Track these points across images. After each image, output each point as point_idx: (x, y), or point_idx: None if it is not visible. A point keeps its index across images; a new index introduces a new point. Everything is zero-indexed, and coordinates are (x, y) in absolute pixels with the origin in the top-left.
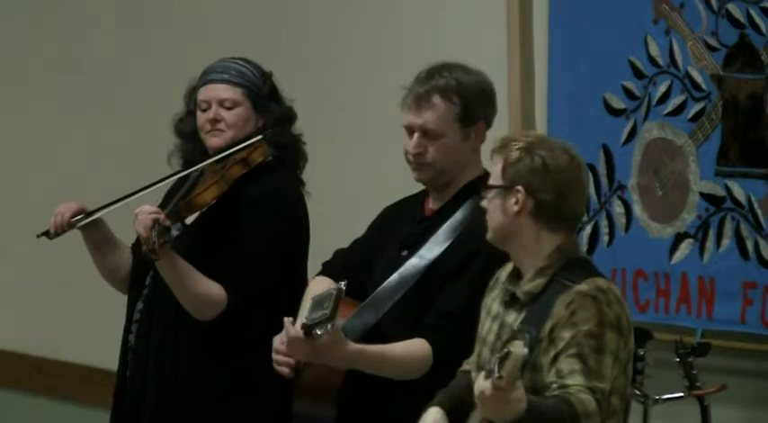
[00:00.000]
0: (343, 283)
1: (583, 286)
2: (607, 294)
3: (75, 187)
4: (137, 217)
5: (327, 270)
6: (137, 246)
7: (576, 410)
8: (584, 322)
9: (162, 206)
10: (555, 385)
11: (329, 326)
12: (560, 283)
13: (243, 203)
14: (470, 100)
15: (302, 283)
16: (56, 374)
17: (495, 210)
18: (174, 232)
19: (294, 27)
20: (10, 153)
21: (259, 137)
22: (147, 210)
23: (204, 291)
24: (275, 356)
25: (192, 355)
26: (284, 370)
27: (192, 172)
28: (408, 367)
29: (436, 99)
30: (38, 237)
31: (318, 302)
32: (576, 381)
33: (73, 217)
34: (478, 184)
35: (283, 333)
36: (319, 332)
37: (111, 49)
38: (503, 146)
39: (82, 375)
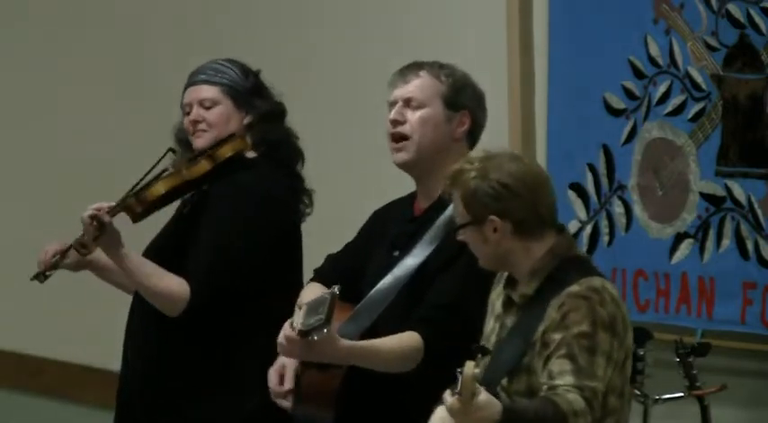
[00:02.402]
0: (336, 287)
1: (575, 287)
2: (601, 294)
3: (73, 188)
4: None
5: (319, 276)
6: (147, 253)
7: (560, 410)
8: (576, 324)
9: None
10: (545, 387)
11: (325, 331)
12: (553, 285)
13: (211, 199)
14: (459, 85)
15: (296, 288)
16: (56, 374)
17: (477, 243)
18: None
19: (291, 27)
20: (10, 154)
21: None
22: (94, 206)
23: (164, 285)
24: (274, 397)
25: (177, 354)
26: (285, 404)
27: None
28: (401, 360)
29: (423, 73)
30: (31, 279)
31: (313, 308)
32: (565, 381)
33: (54, 257)
34: None
35: (277, 366)
36: (316, 337)
37: (109, 54)
38: (453, 180)
39: (82, 375)
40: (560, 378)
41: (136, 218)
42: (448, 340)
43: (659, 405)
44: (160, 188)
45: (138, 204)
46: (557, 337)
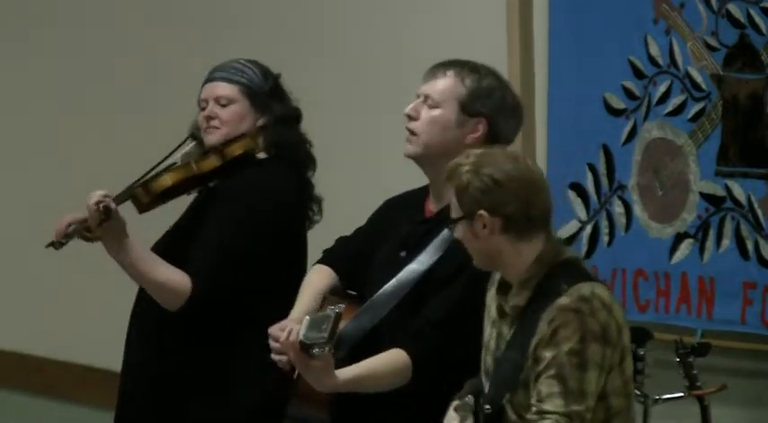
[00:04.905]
0: (342, 305)
1: (565, 300)
2: (591, 303)
3: (74, 188)
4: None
5: (328, 257)
6: (156, 248)
7: None
8: (566, 341)
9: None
10: (534, 409)
11: (326, 348)
12: (544, 297)
13: (218, 196)
14: (481, 92)
15: (297, 282)
16: (56, 374)
17: (469, 239)
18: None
19: (293, 28)
20: (12, 154)
21: (188, 138)
22: (100, 192)
23: (165, 277)
24: (273, 344)
25: (178, 350)
26: (282, 358)
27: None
28: (390, 382)
29: (450, 73)
30: (46, 247)
31: (316, 323)
32: (554, 405)
33: (68, 226)
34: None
35: (283, 322)
36: (316, 351)
37: (115, 49)
38: (450, 174)
39: (82, 375)
40: (549, 401)
41: (142, 208)
42: (438, 357)
43: (659, 405)
44: (167, 180)
45: (144, 194)
46: (548, 354)
